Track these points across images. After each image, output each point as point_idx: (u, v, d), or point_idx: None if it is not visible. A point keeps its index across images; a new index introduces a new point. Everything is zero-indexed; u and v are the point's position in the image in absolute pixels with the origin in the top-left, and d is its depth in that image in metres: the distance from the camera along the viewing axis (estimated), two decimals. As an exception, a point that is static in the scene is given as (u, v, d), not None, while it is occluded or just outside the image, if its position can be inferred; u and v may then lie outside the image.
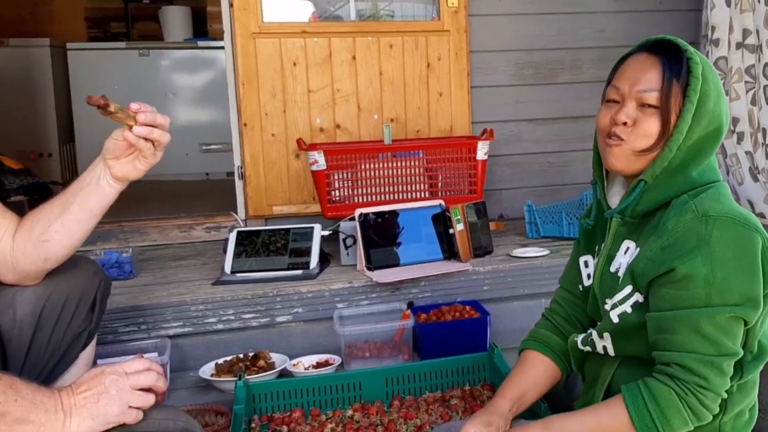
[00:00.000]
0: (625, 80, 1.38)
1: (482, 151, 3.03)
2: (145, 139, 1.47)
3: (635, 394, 1.30)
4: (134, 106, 1.45)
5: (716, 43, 3.16)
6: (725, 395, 1.29)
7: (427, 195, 3.02)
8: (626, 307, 1.38)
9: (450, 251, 2.66)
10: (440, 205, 2.72)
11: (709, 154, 1.37)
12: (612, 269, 1.43)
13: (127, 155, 1.52)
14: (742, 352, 1.29)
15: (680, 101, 1.33)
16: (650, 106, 1.34)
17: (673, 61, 1.35)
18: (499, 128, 3.37)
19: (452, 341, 2.25)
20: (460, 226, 2.64)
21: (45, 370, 1.67)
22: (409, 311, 2.34)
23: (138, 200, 4.27)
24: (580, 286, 1.59)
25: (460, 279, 2.56)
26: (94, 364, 2.00)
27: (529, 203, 3.05)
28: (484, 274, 2.58)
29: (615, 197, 1.48)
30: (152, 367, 1.31)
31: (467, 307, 2.41)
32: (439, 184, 3.06)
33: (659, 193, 1.36)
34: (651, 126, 1.34)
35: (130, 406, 1.25)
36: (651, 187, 1.36)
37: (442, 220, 2.68)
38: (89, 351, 1.81)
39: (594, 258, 1.54)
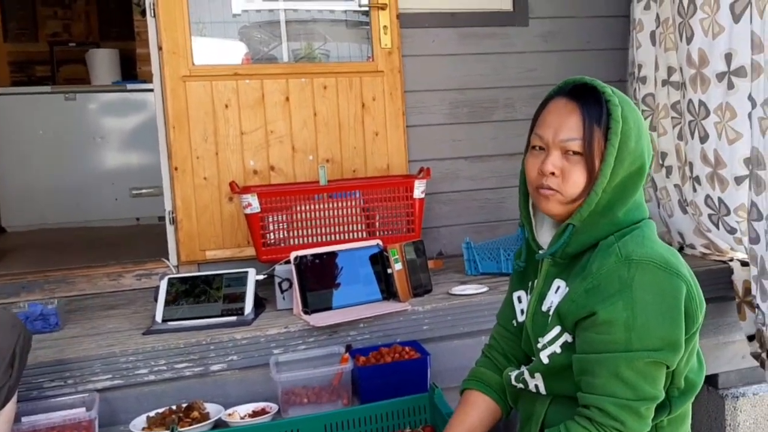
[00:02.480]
0: (548, 128, 1.39)
1: (419, 189, 3.03)
2: None
3: None
4: None
5: (643, 80, 3.26)
6: None
7: (364, 235, 2.99)
8: (556, 348, 1.39)
9: (389, 291, 2.63)
10: (378, 245, 2.69)
11: (633, 193, 1.38)
12: (543, 308, 1.44)
13: None
14: (662, 396, 1.31)
15: (602, 145, 1.35)
16: (574, 153, 1.36)
17: (592, 105, 1.36)
18: (436, 166, 3.38)
19: (392, 383, 2.21)
20: (398, 266, 2.61)
21: None
22: (347, 354, 2.30)
23: (64, 248, 4.14)
24: (515, 322, 1.60)
25: (399, 319, 2.52)
26: (18, 421, 1.94)
27: (467, 240, 3.05)
28: (424, 313, 2.55)
29: (545, 235, 1.49)
30: None
31: (407, 348, 2.37)
32: (377, 224, 3.04)
33: (587, 236, 1.37)
34: (577, 174, 1.36)
35: None
36: (579, 230, 1.37)
37: (380, 260, 2.65)
38: (10, 408, 1.74)
39: (527, 294, 1.55)
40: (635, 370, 1.27)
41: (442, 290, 2.76)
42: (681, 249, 3.16)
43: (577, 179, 1.36)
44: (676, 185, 3.12)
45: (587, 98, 1.38)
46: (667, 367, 1.30)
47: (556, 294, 1.41)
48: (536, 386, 1.46)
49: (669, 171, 3.16)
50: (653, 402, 1.29)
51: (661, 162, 3.19)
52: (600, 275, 1.30)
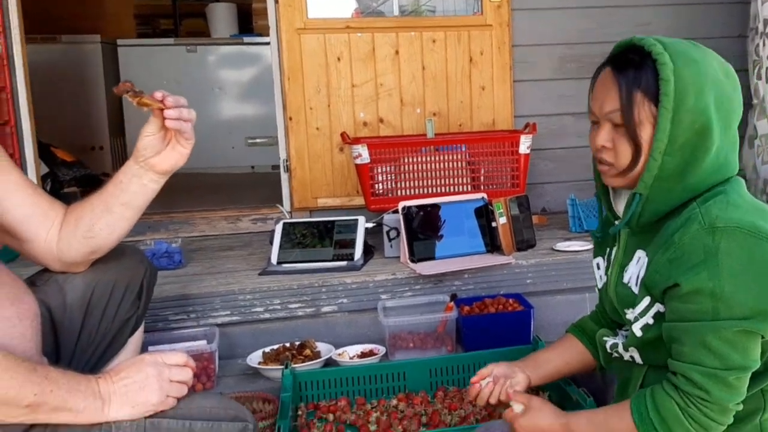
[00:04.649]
0: (595, 101, 1.36)
1: (525, 144, 3.04)
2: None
3: (641, 403, 1.31)
4: (158, 94, 1.48)
5: (769, 36, 3.11)
6: (739, 407, 1.26)
7: (469, 188, 3.04)
8: (648, 319, 1.35)
9: (493, 244, 2.68)
10: (483, 198, 2.73)
11: (705, 153, 1.29)
12: (624, 280, 1.41)
13: (165, 146, 1.54)
14: (755, 365, 1.25)
15: (651, 109, 1.28)
16: (620, 123, 1.32)
17: (632, 71, 1.30)
18: (542, 122, 3.36)
19: (495, 334, 2.27)
20: (502, 220, 2.65)
21: (95, 355, 1.70)
22: (452, 303, 2.36)
23: (186, 192, 4.38)
24: (597, 288, 1.59)
25: (502, 272, 2.57)
26: (144, 350, 2.04)
27: (572, 197, 3.05)
28: (527, 267, 2.59)
29: (622, 204, 1.45)
30: (189, 363, 1.35)
31: (510, 300, 2.41)
32: (482, 178, 3.08)
33: (660, 204, 1.32)
34: (625, 145, 1.32)
35: (168, 396, 1.29)
36: (650, 198, 1.31)
37: (484, 214, 2.70)
38: (137, 337, 1.84)
39: (604, 260, 1.54)
40: (723, 339, 1.21)
41: (546, 246, 2.78)
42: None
43: (624, 150, 1.32)
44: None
45: (628, 63, 1.31)
46: (763, 336, 1.24)
47: (638, 265, 1.38)
48: (632, 357, 1.44)
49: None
50: (744, 371, 1.24)
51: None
52: (683, 244, 1.24)
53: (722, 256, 1.20)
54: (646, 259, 1.35)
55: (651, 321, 1.34)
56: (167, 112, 1.48)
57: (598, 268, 1.56)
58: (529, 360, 1.69)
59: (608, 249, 1.51)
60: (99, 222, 1.56)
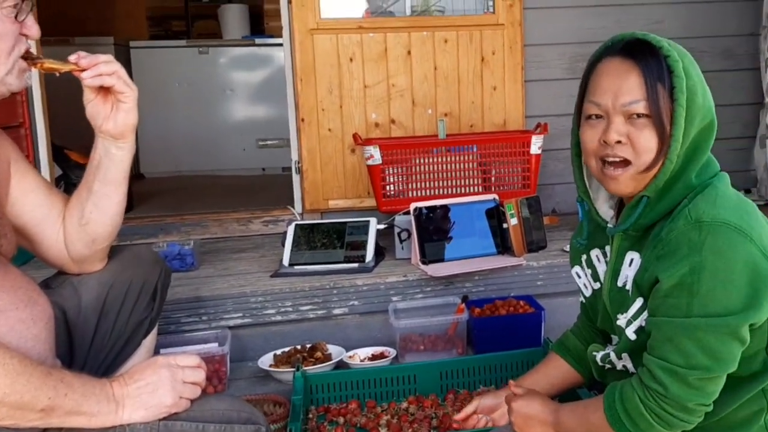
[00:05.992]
0: (605, 93, 1.28)
1: (536, 145, 3.03)
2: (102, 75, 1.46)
3: (611, 394, 1.31)
4: (72, 57, 1.45)
5: (778, 34, 3.10)
6: (708, 408, 1.23)
7: (480, 189, 3.03)
8: (641, 322, 1.31)
9: (503, 246, 2.67)
10: (494, 199, 2.73)
11: (705, 151, 1.29)
12: (619, 284, 1.37)
13: (109, 109, 1.50)
14: (722, 368, 1.21)
15: (669, 105, 1.24)
16: (639, 116, 1.25)
17: (651, 62, 1.25)
18: (553, 122, 3.32)
19: (506, 336, 2.27)
20: (513, 221, 2.65)
21: (109, 356, 1.70)
22: (463, 305, 2.36)
23: (197, 194, 4.41)
24: (582, 299, 1.56)
25: (513, 274, 2.57)
26: (157, 353, 2.01)
27: (583, 198, 3.03)
28: (538, 269, 2.59)
29: (603, 206, 1.43)
30: (201, 365, 1.36)
31: (521, 302, 2.41)
32: (493, 179, 3.07)
33: (662, 205, 1.28)
34: (647, 139, 1.25)
35: (181, 397, 1.30)
36: (653, 200, 1.28)
37: (495, 215, 2.69)
38: (151, 339, 1.84)
39: (582, 269, 1.51)
40: (692, 338, 1.19)
41: (557, 247, 2.77)
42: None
43: (647, 144, 1.25)
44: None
45: (643, 55, 1.26)
46: (740, 339, 1.19)
47: (631, 267, 1.34)
48: (624, 366, 1.40)
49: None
50: (708, 372, 1.19)
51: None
52: (669, 240, 1.21)
53: (706, 253, 1.17)
54: (640, 261, 1.31)
55: (644, 323, 1.30)
56: (81, 75, 1.44)
57: (579, 277, 1.53)
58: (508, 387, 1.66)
59: (584, 256, 1.49)
60: (87, 205, 1.55)
